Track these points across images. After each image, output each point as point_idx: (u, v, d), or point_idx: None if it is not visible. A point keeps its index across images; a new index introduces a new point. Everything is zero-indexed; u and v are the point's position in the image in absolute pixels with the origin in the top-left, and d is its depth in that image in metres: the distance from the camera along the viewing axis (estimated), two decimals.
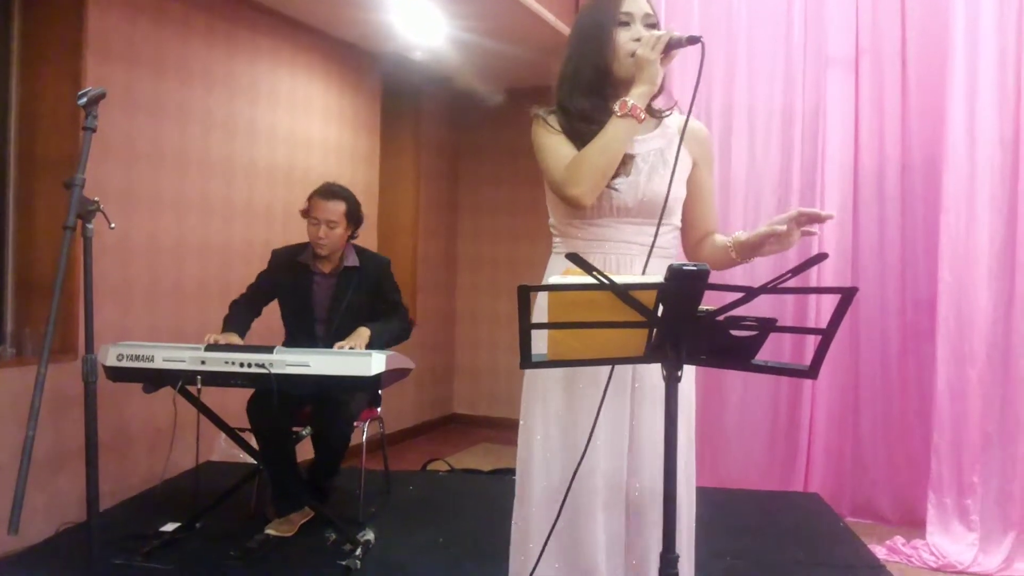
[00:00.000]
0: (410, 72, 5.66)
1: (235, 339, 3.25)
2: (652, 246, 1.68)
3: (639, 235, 1.76)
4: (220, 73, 4.25)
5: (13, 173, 3.53)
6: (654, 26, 1.76)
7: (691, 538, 1.81)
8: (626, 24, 1.75)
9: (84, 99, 2.03)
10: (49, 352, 1.84)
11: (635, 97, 1.67)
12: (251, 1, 4.37)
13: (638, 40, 1.72)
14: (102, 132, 2.06)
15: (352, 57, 5.25)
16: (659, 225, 1.70)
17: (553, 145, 1.76)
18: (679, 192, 1.81)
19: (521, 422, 1.82)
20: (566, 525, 1.71)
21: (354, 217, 3.48)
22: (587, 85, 1.78)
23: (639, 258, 1.76)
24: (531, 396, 1.81)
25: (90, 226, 2.05)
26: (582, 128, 1.75)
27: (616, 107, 1.68)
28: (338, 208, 3.40)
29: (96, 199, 2.04)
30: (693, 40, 1.66)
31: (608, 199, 1.74)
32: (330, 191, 3.46)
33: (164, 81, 3.91)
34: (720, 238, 1.85)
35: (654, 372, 1.73)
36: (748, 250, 1.77)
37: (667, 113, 1.86)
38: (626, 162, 1.75)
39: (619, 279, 1.31)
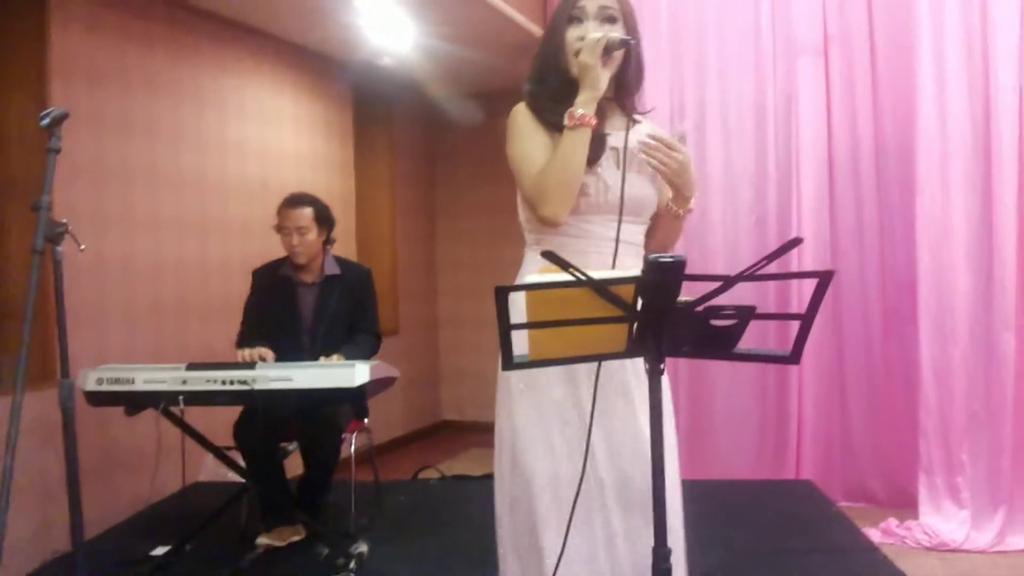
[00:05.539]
0: (381, 78, 5.63)
1: (269, 354, 3.15)
2: (617, 240, 1.69)
3: (611, 230, 1.74)
4: (187, 88, 4.21)
5: None
6: (612, 19, 1.75)
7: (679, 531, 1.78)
8: (578, 20, 1.74)
9: (47, 120, 2.01)
10: (25, 380, 1.81)
11: (581, 105, 1.66)
12: (214, 13, 4.33)
13: (583, 39, 1.70)
14: (70, 153, 2.04)
15: (321, 66, 5.21)
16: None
17: (525, 151, 1.74)
18: (655, 193, 1.82)
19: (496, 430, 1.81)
20: (528, 536, 1.69)
21: (324, 219, 3.48)
22: (547, 80, 1.78)
23: (620, 255, 1.74)
24: (499, 402, 1.80)
25: (59, 249, 2.02)
26: (552, 119, 1.73)
27: (565, 119, 1.67)
28: (306, 213, 3.42)
29: (64, 221, 2.01)
30: (625, 43, 1.66)
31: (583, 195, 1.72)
32: (295, 199, 3.48)
33: (130, 98, 3.87)
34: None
35: (624, 366, 1.72)
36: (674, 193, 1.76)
37: (642, 116, 1.87)
38: (607, 153, 1.74)
39: (596, 275, 1.30)
